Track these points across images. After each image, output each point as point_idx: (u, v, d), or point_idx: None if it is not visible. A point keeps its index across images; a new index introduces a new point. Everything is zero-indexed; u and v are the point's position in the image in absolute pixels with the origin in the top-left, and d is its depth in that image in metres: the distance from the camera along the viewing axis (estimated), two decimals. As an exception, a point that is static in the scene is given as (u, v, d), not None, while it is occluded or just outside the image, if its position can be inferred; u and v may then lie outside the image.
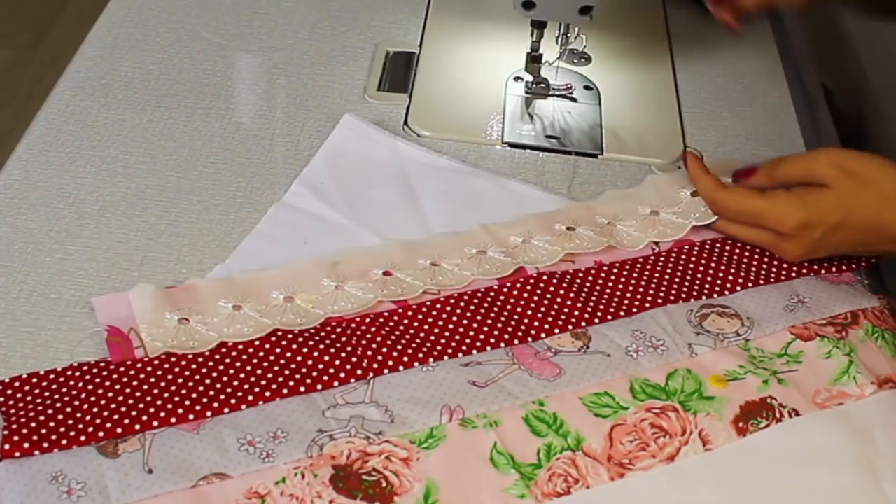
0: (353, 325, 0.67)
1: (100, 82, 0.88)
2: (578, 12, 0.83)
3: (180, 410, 0.61)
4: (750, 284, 0.72)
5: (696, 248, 0.75)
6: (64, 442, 0.59)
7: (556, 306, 0.69)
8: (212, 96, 0.88)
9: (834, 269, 0.74)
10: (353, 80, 0.91)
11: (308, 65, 0.92)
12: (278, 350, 0.65)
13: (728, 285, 0.72)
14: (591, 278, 0.72)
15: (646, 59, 0.96)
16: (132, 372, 0.63)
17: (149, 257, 0.72)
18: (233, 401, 0.62)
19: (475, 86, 0.91)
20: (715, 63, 0.97)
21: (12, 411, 0.60)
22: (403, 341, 0.66)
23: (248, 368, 0.64)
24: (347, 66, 0.92)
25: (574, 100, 0.90)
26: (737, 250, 0.75)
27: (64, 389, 0.62)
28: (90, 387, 0.62)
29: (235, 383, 0.63)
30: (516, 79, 0.92)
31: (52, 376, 0.63)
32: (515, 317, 0.69)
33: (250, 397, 0.62)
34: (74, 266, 0.71)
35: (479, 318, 0.68)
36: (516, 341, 0.67)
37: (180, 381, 0.63)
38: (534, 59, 0.91)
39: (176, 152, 0.82)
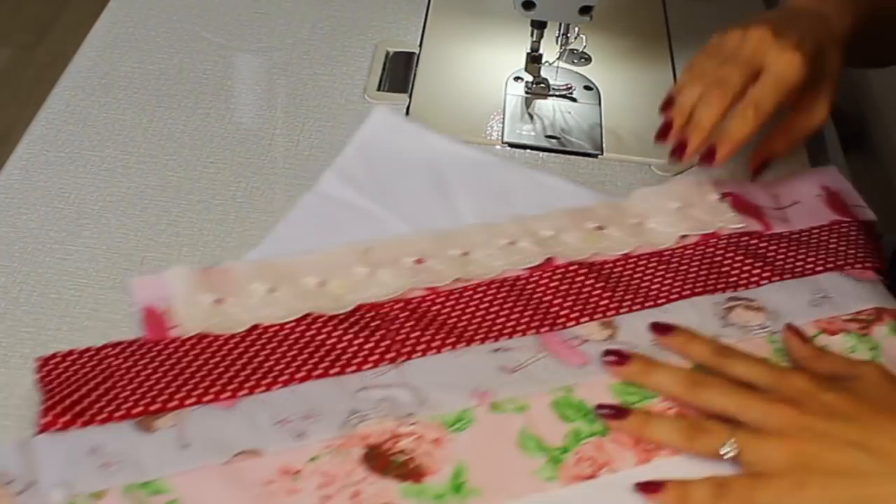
0: (385, 310, 0.68)
1: (100, 82, 0.88)
2: (578, 12, 0.83)
3: (215, 389, 0.62)
4: (776, 278, 0.73)
5: (723, 242, 0.75)
6: (101, 417, 0.60)
7: (583, 296, 0.70)
8: (212, 96, 0.88)
9: (859, 266, 0.74)
10: (353, 80, 0.91)
11: (308, 65, 0.92)
12: (311, 332, 0.66)
13: (754, 279, 0.73)
14: (618, 269, 0.73)
15: (646, 59, 0.96)
16: (168, 350, 0.64)
17: (149, 257, 0.72)
18: (266, 380, 0.63)
19: (475, 86, 0.91)
20: (715, 63, 0.97)
21: (50, 386, 0.62)
22: (434, 327, 0.67)
23: (282, 350, 0.65)
24: (347, 66, 0.92)
25: (574, 100, 0.90)
26: (762, 244, 0.75)
27: (101, 367, 0.63)
28: (126, 364, 0.63)
29: (269, 364, 0.64)
30: (516, 79, 0.92)
31: (89, 353, 0.64)
32: (544, 305, 0.69)
33: (283, 377, 0.63)
34: (74, 266, 0.71)
35: (508, 305, 0.69)
36: (544, 329, 0.68)
37: (215, 360, 0.64)
38: (534, 59, 0.91)
39: (176, 152, 0.82)
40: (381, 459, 0.59)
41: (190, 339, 0.65)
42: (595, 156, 0.85)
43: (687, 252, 0.75)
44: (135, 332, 0.66)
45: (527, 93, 0.91)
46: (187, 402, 0.62)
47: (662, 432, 0.61)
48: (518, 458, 0.60)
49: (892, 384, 0.62)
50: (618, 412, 0.62)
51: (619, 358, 0.64)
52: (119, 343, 0.65)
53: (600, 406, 0.62)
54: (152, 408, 0.61)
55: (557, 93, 0.91)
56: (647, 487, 0.58)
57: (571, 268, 0.72)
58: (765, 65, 0.72)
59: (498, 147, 0.85)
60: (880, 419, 0.59)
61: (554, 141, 0.86)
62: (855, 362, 0.65)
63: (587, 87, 0.92)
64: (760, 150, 0.78)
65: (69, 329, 0.67)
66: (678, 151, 0.74)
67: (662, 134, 0.76)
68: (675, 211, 0.77)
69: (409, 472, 0.59)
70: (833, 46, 0.76)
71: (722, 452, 0.59)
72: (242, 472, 0.58)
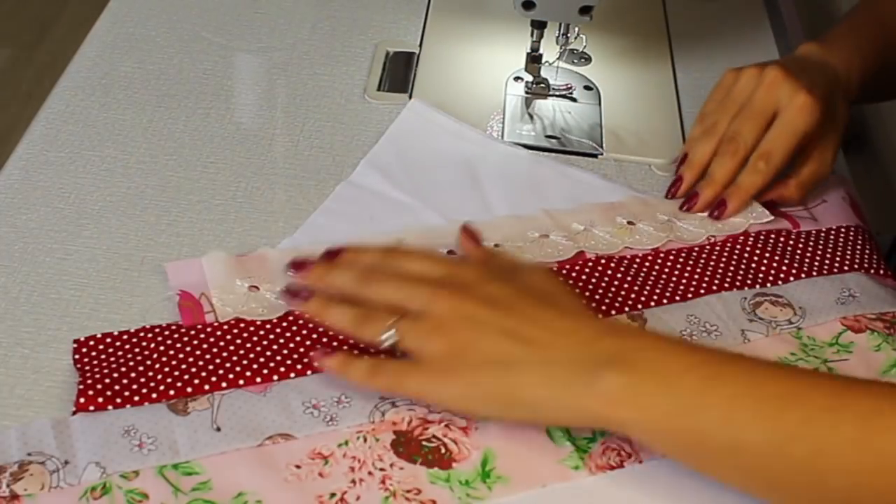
0: None
1: (100, 82, 0.88)
2: (578, 12, 0.83)
3: (248, 373, 0.63)
4: (803, 275, 0.73)
5: (752, 238, 0.76)
6: (136, 399, 0.61)
7: (613, 288, 0.71)
8: (212, 96, 0.88)
9: (882, 272, 0.76)
10: (353, 80, 0.91)
11: (308, 65, 0.92)
12: None
13: (781, 275, 0.73)
14: (647, 263, 0.73)
15: (646, 59, 0.97)
16: (202, 335, 0.65)
17: (149, 257, 0.72)
18: (299, 366, 0.64)
19: (475, 86, 0.91)
20: (715, 63, 0.97)
21: (87, 368, 0.63)
22: None
23: (314, 336, 0.66)
24: (347, 66, 0.92)
25: (574, 100, 0.90)
26: (791, 241, 0.76)
27: (136, 349, 0.64)
28: (161, 348, 0.64)
29: (302, 350, 0.65)
30: (516, 79, 0.92)
31: (125, 336, 0.65)
32: None
33: (316, 363, 0.64)
34: (74, 266, 0.71)
35: None
36: None
37: (248, 345, 0.65)
38: (534, 59, 0.91)
39: (176, 152, 0.82)
40: (410, 445, 0.60)
41: (224, 323, 0.66)
42: (595, 156, 0.85)
43: (716, 248, 0.75)
44: (148, 322, 0.66)
45: (527, 93, 0.91)
46: (221, 385, 0.62)
47: (336, 317, 0.63)
48: (545, 447, 0.61)
49: (553, 281, 0.64)
50: (297, 294, 0.64)
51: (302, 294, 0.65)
52: (155, 327, 0.66)
53: (284, 290, 0.65)
54: (187, 390, 0.62)
55: (557, 93, 0.91)
56: (320, 356, 0.62)
57: (602, 261, 0.73)
58: (778, 110, 0.74)
59: (515, 144, 0.85)
60: (535, 310, 0.60)
61: (554, 141, 0.86)
62: (524, 263, 0.68)
63: (587, 87, 0.92)
64: (767, 200, 0.78)
65: (69, 329, 0.67)
66: (689, 202, 0.77)
67: (675, 187, 0.78)
68: (705, 216, 0.78)
69: (437, 458, 0.59)
70: (841, 97, 0.78)
71: (382, 338, 0.61)
72: (273, 456, 0.59)
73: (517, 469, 0.59)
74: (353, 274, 0.64)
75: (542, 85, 0.91)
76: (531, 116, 0.89)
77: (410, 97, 0.89)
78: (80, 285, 0.70)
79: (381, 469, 0.59)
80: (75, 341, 0.65)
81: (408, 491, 0.58)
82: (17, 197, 0.77)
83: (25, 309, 0.68)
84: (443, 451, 0.60)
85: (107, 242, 0.73)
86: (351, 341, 0.65)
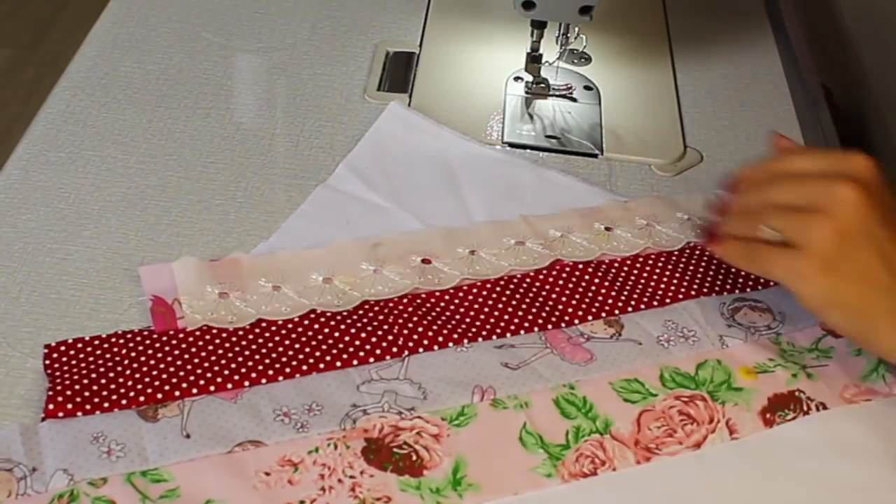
0: (391, 305, 0.69)
1: (100, 82, 0.88)
2: (578, 12, 0.83)
3: (219, 379, 0.63)
4: None
5: None
6: (105, 405, 0.61)
7: (590, 294, 0.71)
8: (212, 96, 0.88)
9: None
10: (353, 80, 0.91)
11: (308, 65, 0.92)
12: (316, 326, 0.67)
13: (762, 280, 0.73)
14: (625, 268, 0.73)
15: (646, 59, 0.96)
16: (174, 341, 0.65)
17: (149, 257, 0.72)
18: (270, 372, 0.63)
19: (475, 86, 0.91)
20: (715, 63, 0.97)
21: (57, 373, 0.62)
22: (439, 322, 0.68)
23: (286, 343, 0.66)
24: (347, 66, 0.92)
25: (574, 100, 0.90)
26: None
27: (108, 355, 0.64)
28: (133, 353, 0.64)
29: (273, 356, 0.65)
30: (516, 79, 0.92)
31: (96, 342, 0.65)
32: (550, 303, 0.70)
33: (287, 370, 0.64)
34: (74, 266, 0.71)
35: (514, 302, 0.70)
36: (550, 326, 0.68)
37: (220, 351, 0.65)
38: (534, 59, 0.91)
39: (176, 152, 0.82)
40: (381, 453, 0.60)
41: (196, 330, 0.66)
42: (595, 156, 0.85)
43: (694, 253, 0.75)
44: (125, 327, 0.66)
45: (527, 93, 0.91)
46: (192, 391, 0.62)
47: (734, 222, 0.65)
48: (518, 454, 0.60)
49: None
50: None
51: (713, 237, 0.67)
52: (126, 332, 0.66)
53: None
54: (157, 397, 0.62)
55: (557, 93, 0.91)
56: (710, 239, 0.66)
57: (579, 266, 0.73)
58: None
59: (498, 147, 0.85)
60: None
61: (554, 141, 0.86)
62: None
63: (587, 87, 0.92)
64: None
65: (69, 329, 0.67)
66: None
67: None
68: (685, 221, 0.77)
69: (408, 465, 0.59)
70: None
71: (762, 232, 0.62)
72: (243, 463, 0.59)
73: (489, 477, 0.59)
74: (753, 187, 0.64)
75: (542, 85, 0.91)
76: (531, 116, 0.89)
77: (411, 97, 0.89)
78: (80, 285, 0.70)
79: (351, 476, 0.58)
80: (46, 346, 0.64)
81: (377, 499, 0.57)
82: (17, 197, 0.77)
83: (25, 309, 0.68)
84: (414, 458, 0.60)
85: (107, 242, 0.73)
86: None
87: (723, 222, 0.67)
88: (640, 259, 0.74)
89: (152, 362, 0.63)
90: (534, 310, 0.69)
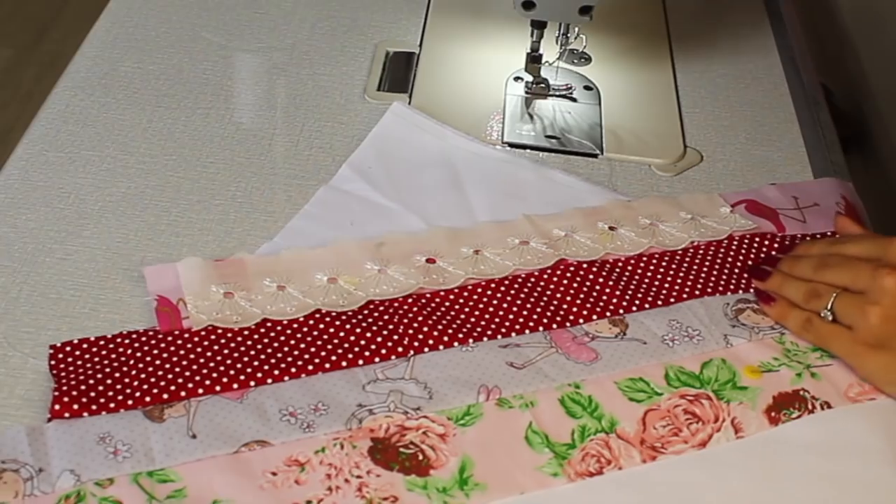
0: (395, 305, 0.69)
1: (100, 82, 0.88)
2: (578, 12, 0.83)
3: (225, 379, 0.63)
4: None
5: (735, 243, 0.76)
6: (111, 405, 0.61)
7: (594, 293, 0.71)
8: (212, 96, 0.88)
9: None
10: (353, 80, 0.91)
11: (308, 65, 0.92)
12: (321, 326, 0.67)
13: None
14: (629, 267, 0.73)
15: (646, 59, 0.96)
16: (179, 341, 0.65)
17: (149, 257, 0.72)
18: (276, 372, 0.63)
19: (475, 86, 0.91)
20: (715, 63, 0.97)
21: (62, 374, 0.62)
22: (444, 321, 0.68)
23: (292, 343, 0.66)
24: (347, 66, 0.92)
25: (574, 100, 0.90)
26: (774, 246, 0.76)
27: (113, 355, 0.64)
28: (138, 354, 0.64)
29: (279, 356, 0.65)
30: (516, 79, 0.92)
31: (101, 342, 0.65)
32: (554, 302, 0.70)
33: (293, 370, 0.64)
34: (74, 266, 0.71)
35: (518, 301, 0.70)
36: (555, 326, 0.68)
37: (225, 351, 0.65)
38: (534, 59, 0.91)
39: (176, 152, 0.82)
40: (387, 452, 0.60)
41: (201, 330, 0.66)
42: (595, 156, 0.85)
43: (698, 252, 0.75)
44: (130, 327, 0.66)
45: (527, 93, 0.91)
46: (198, 391, 0.62)
47: (791, 290, 0.69)
48: (524, 454, 0.60)
49: None
50: (762, 274, 0.72)
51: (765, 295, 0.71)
52: (131, 333, 0.66)
53: (751, 269, 0.73)
54: (163, 397, 0.61)
55: (557, 93, 0.91)
56: (762, 296, 0.71)
57: (583, 266, 0.73)
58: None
59: (498, 147, 0.85)
60: None
61: (554, 141, 0.86)
62: None
63: (587, 87, 0.92)
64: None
65: (69, 329, 0.67)
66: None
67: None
68: (688, 220, 0.77)
69: (415, 465, 0.59)
70: None
71: (823, 313, 0.67)
72: (249, 463, 0.59)
73: (495, 476, 0.59)
74: (809, 262, 0.70)
75: (542, 85, 0.91)
76: (531, 116, 0.89)
77: (410, 97, 0.89)
78: (80, 285, 0.70)
79: (358, 476, 0.58)
80: (51, 347, 0.64)
81: (384, 499, 0.57)
82: (17, 197, 0.77)
83: (25, 309, 0.68)
84: (420, 457, 0.60)
85: (107, 242, 0.73)
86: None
87: (777, 283, 0.71)
88: (644, 258, 0.74)
89: (158, 362, 0.63)
90: (538, 309, 0.69)
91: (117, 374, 0.62)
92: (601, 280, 0.72)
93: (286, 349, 0.65)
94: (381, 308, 0.69)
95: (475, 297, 0.70)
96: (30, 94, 2.15)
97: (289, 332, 0.66)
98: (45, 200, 0.76)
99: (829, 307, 0.67)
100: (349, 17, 0.98)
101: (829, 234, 0.78)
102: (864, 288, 0.65)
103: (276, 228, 0.75)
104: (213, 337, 0.65)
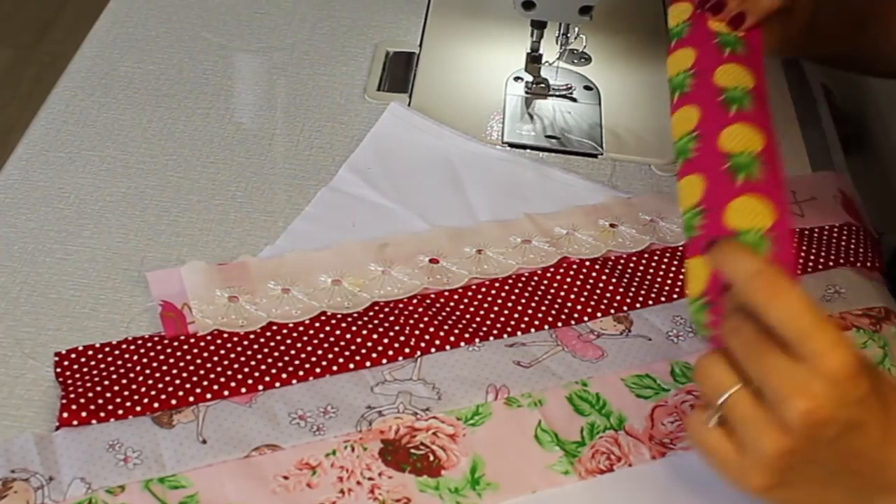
0: (401, 306, 0.69)
1: (100, 82, 0.88)
2: (578, 12, 0.83)
3: (233, 384, 0.63)
4: None
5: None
6: (120, 412, 0.61)
7: (598, 291, 0.71)
8: (212, 96, 0.88)
9: (869, 264, 0.75)
10: (353, 80, 0.91)
11: (308, 65, 0.92)
12: (327, 329, 0.67)
13: None
14: (632, 264, 0.74)
15: (646, 59, 0.96)
16: (185, 346, 0.65)
17: (149, 257, 0.72)
18: (284, 375, 0.64)
19: (475, 86, 0.91)
20: (715, 63, 0.97)
21: (69, 381, 0.62)
22: (450, 322, 0.68)
23: (299, 346, 0.66)
24: (347, 66, 0.92)
25: (574, 100, 0.90)
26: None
27: (119, 362, 0.64)
28: (145, 360, 0.64)
29: (286, 359, 0.65)
30: (516, 79, 0.92)
31: (107, 349, 0.65)
32: (559, 300, 0.70)
33: (301, 373, 0.64)
34: (74, 266, 0.71)
35: (523, 300, 0.70)
36: (560, 324, 0.69)
37: (233, 355, 0.65)
38: (534, 59, 0.91)
39: (176, 152, 0.82)
40: (398, 454, 0.60)
41: (207, 334, 0.66)
42: (595, 156, 0.85)
43: None
44: (134, 332, 0.66)
45: (527, 93, 0.91)
46: (206, 396, 0.62)
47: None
48: (535, 452, 0.61)
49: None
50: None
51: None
52: (137, 339, 0.65)
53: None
54: (171, 402, 0.61)
55: (557, 93, 0.91)
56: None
57: (586, 264, 0.73)
58: None
59: (499, 147, 0.85)
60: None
61: (554, 141, 0.86)
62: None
63: (587, 87, 0.92)
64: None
65: (69, 329, 0.67)
66: (714, 8, 0.69)
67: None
68: None
69: (426, 466, 0.59)
70: None
71: (705, 418, 0.51)
72: (261, 467, 0.59)
73: (507, 475, 0.59)
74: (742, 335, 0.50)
75: (542, 85, 0.91)
76: (531, 116, 0.89)
77: (410, 97, 0.89)
78: (80, 285, 0.70)
79: (370, 478, 0.59)
80: (56, 354, 0.64)
81: (397, 500, 0.58)
82: (17, 197, 0.77)
83: (25, 309, 0.68)
84: (431, 458, 0.60)
85: (107, 242, 0.73)
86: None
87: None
88: (646, 255, 0.74)
89: (165, 368, 0.63)
90: (543, 307, 0.69)
91: (124, 381, 0.62)
92: (604, 277, 0.72)
93: (293, 352, 0.65)
94: (387, 309, 0.69)
95: (480, 296, 0.70)
96: (30, 94, 2.15)
97: (294, 334, 0.66)
98: (45, 200, 0.76)
99: (718, 403, 0.50)
100: (349, 17, 0.98)
101: (826, 227, 0.78)
102: (774, 399, 0.48)
103: (277, 228, 0.75)
104: (219, 341, 0.65)
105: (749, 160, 0.59)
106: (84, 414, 0.60)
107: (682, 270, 0.73)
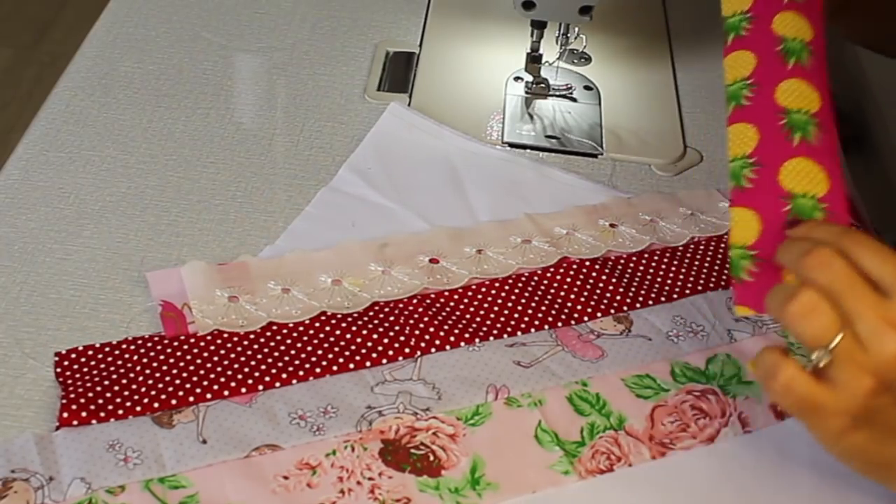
0: (401, 306, 0.69)
1: (100, 82, 0.88)
2: (578, 12, 0.83)
3: (233, 384, 0.63)
4: None
5: None
6: (120, 412, 0.61)
7: (598, 291, 0.71)
8: (212, 96, 0.88)
9: None
10: (353, 80, 0.91)
11: (308, 65, 0.92)
12: (327, 328, 0.67)
13: None
14: (632, 264, 0.74)
15: (646, 59, 0.96)
16: (185, 346, 0.65)
17: (149, 257, 0.72)
18: (284, 375, 0.64)
19: (475, 86, 0.91)
20: (715, 63, 0.96)
21: (69, 381, 0.62)
22: (450, 321, 0.68)
23: (299, 345, 0.66)
24: (347, 66, 0.92)
25: (574, 100, 0.90)
26: None
27: (119, 362, 0.64)
28: (145, 360, 0.64)
29: (286, 359, 0.65)
30: (516, 79, 0.92)
31: (107, 349, 0.65)
32: (559, 300, 0.70)
33: (301, 373, 0.64)
34: (74, 266, 0.71)
35: (523, 300, 0.70)
36: (560, 324, 0.69)
37: (233, 355, 0.65)
38: (534, 59, 0.91)
39: (176, 152, 0.82)
40: (398, 454, 0.60)
41: (207, 334, 0.66)
42: (595, 156, 0.85)
43: (700, 248, 0.75)
44: (134, 332, 0.66)
45: (527, 93, 0.91)
46: (206, 396, 0.62)
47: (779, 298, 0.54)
48: (535, 452, 0.61)
49: None
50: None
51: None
52: (137, 339, 0.65)
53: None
54: (171, 403, 0.61)
55: (557, 93, 0.91)
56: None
57: (586, 264, 0.73)
58: None
59: (499, 147, 0.85)
60: None
61: (554, 141, 0.86)
62: None
63: (587, 87, 0.92)
64: None
65: (69, 329, 0.67)
66: None
67: None
68: (688, 216, 0.78)
69: (426, 466, 0.59)
70: None
71: (813, 358, 0.52)
72: (261, 467, 0.59)
73: (507, 475, 0.59)
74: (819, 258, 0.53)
75: (542, 85, 0.91)
76: (531, 116, 0.89)
77: (410, 97, 0.89)
78: (80, 285, 0.70)
79: (370, 478, 0.59)
80: (56, 354, 0.64)
81: (397, 500, 0.58)
82: (17, 197, 0.77)
83: (25, 309, 0.68)
84: (431, 458, 0.60)
85: (107, 242, 0.73)
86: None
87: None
88: (646, 255, 0.74)
89: (165, 368, 0.63)
90: (543, 307, 0.69)
91: (124, 381, 0.62)
92: (604, 277, 0.72)
93: (293, 352, 0.65)
94: (387, 309, 0.69)
95: (480, 296, 0.70)
96: (30, 94, 2.15)
97: (295, 334, 0.66)
98: (45, 200, 0.76)
99: (830, 348, 0.52)
100: (349, 17, 0.98)
101: None
102: (868, 335, 0.51)
103: (277, 228, 0.75)
104: (219, 341, 0.65)
105: (805, 119, 0.58)
106: (84, 414, 0.60)
107: (682, 270, 0.73)
